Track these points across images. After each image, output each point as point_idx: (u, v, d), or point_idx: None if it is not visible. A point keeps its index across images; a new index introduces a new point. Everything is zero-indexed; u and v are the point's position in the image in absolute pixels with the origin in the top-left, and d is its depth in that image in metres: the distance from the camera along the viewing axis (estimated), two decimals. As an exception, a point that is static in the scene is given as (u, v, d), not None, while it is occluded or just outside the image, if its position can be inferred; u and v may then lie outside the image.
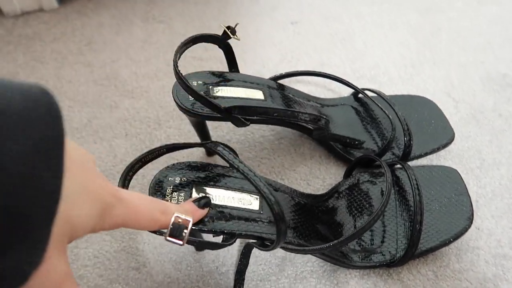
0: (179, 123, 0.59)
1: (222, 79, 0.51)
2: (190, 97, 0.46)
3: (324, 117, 0.46)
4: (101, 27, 0.74)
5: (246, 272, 0.45)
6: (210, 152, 0.56)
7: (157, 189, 0.38)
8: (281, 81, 0.57)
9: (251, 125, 0.59)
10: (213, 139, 0.56)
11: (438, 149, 0.54)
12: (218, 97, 0.48)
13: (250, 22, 0.77)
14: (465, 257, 0.46)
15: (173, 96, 0.47)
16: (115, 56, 0.69)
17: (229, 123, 0.49)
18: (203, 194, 0.39)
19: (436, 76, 0.67)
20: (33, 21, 0.75)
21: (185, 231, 0.32)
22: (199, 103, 0.45)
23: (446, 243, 0.45)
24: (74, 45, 0.71)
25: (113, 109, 0.61)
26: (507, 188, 0.53)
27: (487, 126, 0.59)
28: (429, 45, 0.73)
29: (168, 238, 0.32)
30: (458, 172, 0.51)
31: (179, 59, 0.43)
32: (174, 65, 0.42)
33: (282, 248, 0.40)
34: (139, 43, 0.71)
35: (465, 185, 0.49)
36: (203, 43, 0.47)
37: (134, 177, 0.38)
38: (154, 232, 0.33)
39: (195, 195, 0.39)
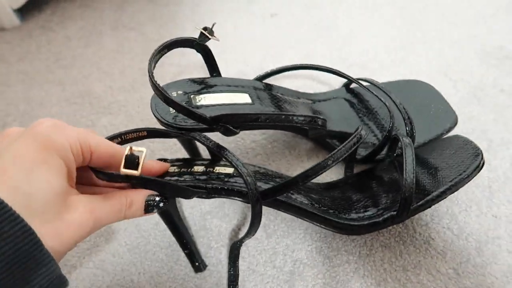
0: (163, 136, 0.55)
1: (204, 86, 0.46)
2: (171, 109, 0.42)
3: (321, 117, 0.42)
4: (69, 41, 0.69)
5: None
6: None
7: None
8: (267, 80, 0.53)
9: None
10: (201, 150, 0.52)
11: (442, 135, 0.50)
12: (201, 106, 0.44)
13: (226, 19, 0.72)
14: (486, 249, 0.43)
15: (152, 111, 0.43)
16: (87, 70, 0.64)
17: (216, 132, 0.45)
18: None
19: (429, 55, 0.63)
20: (-6, 42, 0.70)
21: (137, 160, 0.31)
22: (182, 115, 0.41)
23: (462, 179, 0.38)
24: (41, 63, 0.66)
25: (91, 128, 0.56)
26: (519, 168, 0.49)
27: (489, 103, 0.56)
28: (418, 24, 0.69)
29: (123, 170, 0.30)
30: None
31: (154, 68, 0.38)
32: (149, 75, 0.37)
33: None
34: (111, 54, 0.66)
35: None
36: (180, 48, 0.43)
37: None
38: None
39: None
